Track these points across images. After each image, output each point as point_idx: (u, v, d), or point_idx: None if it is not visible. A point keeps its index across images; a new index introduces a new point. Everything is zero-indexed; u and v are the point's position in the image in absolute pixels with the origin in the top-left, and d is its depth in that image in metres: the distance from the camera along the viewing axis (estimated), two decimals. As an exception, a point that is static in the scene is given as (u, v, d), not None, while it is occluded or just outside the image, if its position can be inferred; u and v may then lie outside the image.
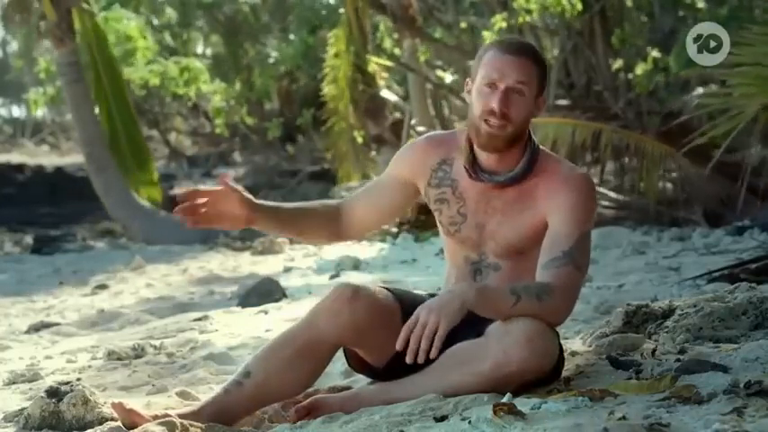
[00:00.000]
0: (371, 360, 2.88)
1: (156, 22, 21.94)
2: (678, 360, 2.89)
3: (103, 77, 13.43)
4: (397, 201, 3.02)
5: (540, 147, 2.89)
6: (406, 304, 2.86)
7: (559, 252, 2.72)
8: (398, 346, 2.60)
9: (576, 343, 3.54)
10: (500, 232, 2.85)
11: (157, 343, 4.32)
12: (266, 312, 5.29)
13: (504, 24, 12.29)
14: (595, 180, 10.53)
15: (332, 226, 3.02)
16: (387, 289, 2.93)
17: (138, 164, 13.73)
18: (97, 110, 13.73)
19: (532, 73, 2.78)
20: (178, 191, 2.88)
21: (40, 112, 30.94)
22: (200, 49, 26.61)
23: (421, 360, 2.58)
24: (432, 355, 2.57)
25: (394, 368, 2.81)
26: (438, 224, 2.99)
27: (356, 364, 2.96)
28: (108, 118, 13.60)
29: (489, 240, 2.88)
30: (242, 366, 2.86)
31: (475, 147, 2.85)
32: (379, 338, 2.81)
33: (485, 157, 2.85)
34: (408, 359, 2.58)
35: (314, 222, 2.99)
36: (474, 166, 2.85)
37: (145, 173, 13.83)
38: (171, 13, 23.81)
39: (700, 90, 11.77)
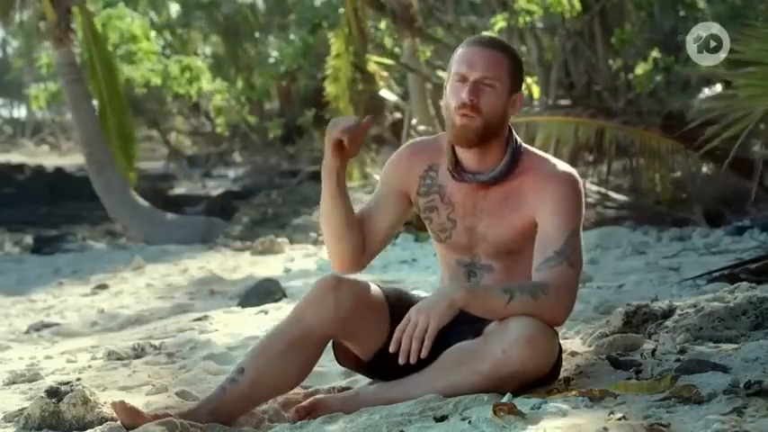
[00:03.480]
0: (359, 352, 2.89)
1: (155, 21, 21.92)
2: (678, 360, 2.89)
3: (98, 70, 13.43)
4: (398, 216, 2.96)
5: (524, 145, 2.88)
6: (394, 300, 2.89)
7: (551, 252, 2.71)
8: (392, 348, 2.62)
9: (576, 343, 3.54)
10: (490, 234, 2.84)
11: (157, 343, 4.32)
12: (266, 312, 5.29)
13: (503, 24, 12.29)
14: (599, 179, 10.55)
15: (359, 246, 2.91)
16: (377, 285, 2.93)
17: (124, 155, 13.77)
18: (95, 102, 13.75)
19: (503, 66, 2.76)
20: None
21: (40, 113, 30.95)
22: (200, 49, 26.61)
23: (413, 360, 2.59)
24: (422, 355, 2.58)
25: (380, 362, 2.83)
26: (429, 231, 2.97)
27: (344, 358, 2.96)
28: (101, 108, 13.63)
29: (481, 242, 2.87)
30: (236, 364, 2.87)
31: (456, 147, 2.83)
32: (365, 330, 2.83)
33: (466, 157, 2.83)
34: (401, 360, 2.60)
35: (354, 227, 2.87)
36: (457, 167, 2.84)
37: (128, 157, 13.88)
38: (171, 13, 23.83)
39: (706, 91, 11.74)
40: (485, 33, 3.32)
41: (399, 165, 2.96)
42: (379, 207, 2.95)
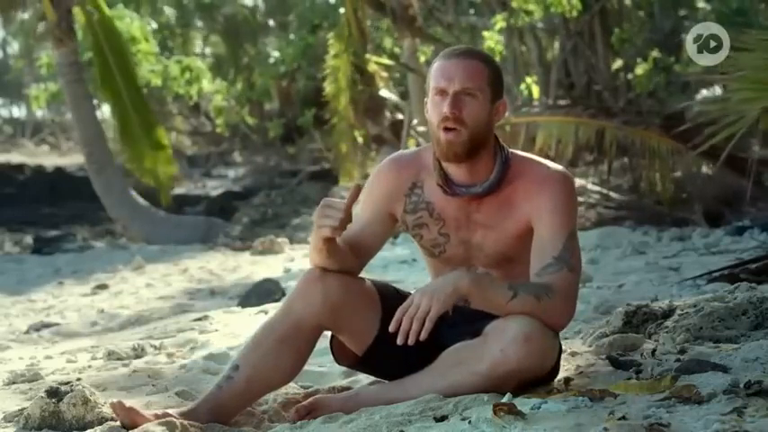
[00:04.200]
0: (353, 346, 2.88)
1: (155, 24, 21.91)
2: (678, 360, 2.89)
3: (113, 65, 13.38)
4: (385, 235, 2.94)
5: (512, 150, 2.85)
6: (385, 293, 2.87)
7: (550, 258, 2.70)
8: (392, 327, 2.60)
9: (576, 343, 3.54)
10: (487, 244, 2.82)
11: (157, 343, 4.33)
12: (266, 312, 5.29)
13: (503, 24, 12.29)
14: (600, 179, 10.55)
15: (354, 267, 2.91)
16: (368, 279, 2.91)
17: (150, 143, 13.64)
18: (95, 102, 13.70)
19: (482, 75, 2.72)
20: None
21: (40, 112, 30.93)
22: (199, 49, 26.61)
23: (411, 341, 2.57)
24: (421, 337, 2.56)
25: (375, 355, 2.83)
26: (419, 247, 2.94)
27: (340, 355, 2.95)
28: (118, 107, 13.54)
29: (477, 253, 2.84)
30: (230, 361, 2.87)
31: (443, 162, 2.79)
32: (356, 321, 2.82)
33: (455, 171, 2.79)
34: (399, 340, 2.57)
35: (350, 259, 2.86)
36: (448, 182, 2.80)
37: (158, 149, 13.71)
38: (170, 14, 23.82)
39: (704, 92, 11.76)
40: (462, 45, 3.19)
41: (383, 185, 2.90)
42: (367, 235, 2.88)
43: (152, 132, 13.67)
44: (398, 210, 2.89)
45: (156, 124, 14.07)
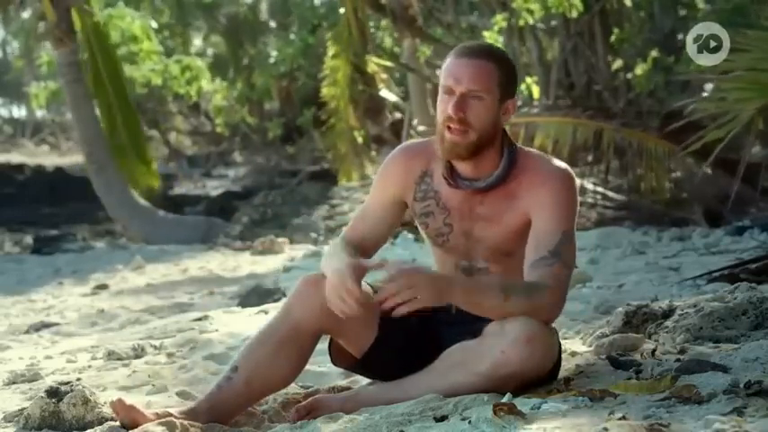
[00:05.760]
0: (352, 349, 2.89)
1: (154, 24, 21.92)
2: (678, 360, 2.89)
3: (103, 73, 13.41)
4: (395, 221, 2.96)
5: (519, 145, 2.85)
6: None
7: (546, 251, 2.70)
8: (377, 298, 2.58)
9: (576, 343, 3.55)
10: (487, 237, 2.82)
11: (157, 343, 4.32)
12: (266, 312, 5.28)
13: (504, 24, 12.28)
14: (597, 180, 10.55)
15: None
16: (366, 282, 2.91)
17: (137, 154, 13.76)
18: (96, 105, 13.74)
19: (491, 76, 2.71)
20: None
21: (40, 112, 30.93)
22: (199, 49, 26.61)
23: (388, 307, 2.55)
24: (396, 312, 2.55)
25: (374, 359, 2.84)
26: (424, 235, 2.95)
27: (339, 358, 2.95)
28: (108, 113, 13.60)
29: (478, 246, 2.84)
30: (230, 362, 2.87)
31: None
32: (355, 325, 2.81)
33: (461, 166, 2.80)
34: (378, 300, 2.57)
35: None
36: (452, 175, 2.81)
37: (144, 163, 13.87)
38: (169, 14, 23.83)
39: (709, 87, 11.74)
40: (476, 42, 3.07)
41: (396, 172, 2.91)
42: (380, 224, 2.91)
43: (138, 146, 13.80)
44: (409, 197, 2.90)
45: (143, 139, 14.20)
